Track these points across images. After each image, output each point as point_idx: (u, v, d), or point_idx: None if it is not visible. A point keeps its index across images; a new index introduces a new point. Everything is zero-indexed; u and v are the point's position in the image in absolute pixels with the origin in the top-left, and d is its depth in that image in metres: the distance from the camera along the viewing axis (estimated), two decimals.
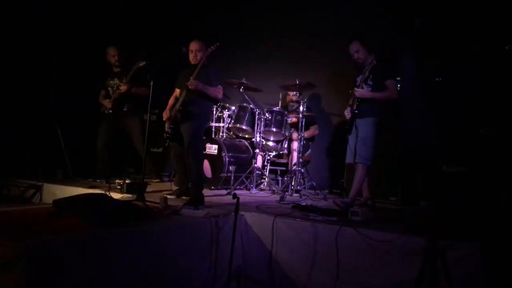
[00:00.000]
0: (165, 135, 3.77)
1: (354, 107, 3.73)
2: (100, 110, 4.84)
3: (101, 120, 4.82)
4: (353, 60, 3.84)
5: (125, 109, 4.82)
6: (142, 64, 4.44)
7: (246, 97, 4.89)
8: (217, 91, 3.79)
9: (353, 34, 4.01)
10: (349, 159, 3.83)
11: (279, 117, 4.79)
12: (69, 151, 4.71)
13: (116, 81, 4.83)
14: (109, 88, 4.88)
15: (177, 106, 3.69)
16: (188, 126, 3.64)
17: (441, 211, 3.10)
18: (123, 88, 4.65)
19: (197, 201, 3.42)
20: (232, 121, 4.94)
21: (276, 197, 4.21)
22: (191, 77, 3.64)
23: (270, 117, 4.78)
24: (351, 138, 3.81)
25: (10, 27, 4.67)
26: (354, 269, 2.70)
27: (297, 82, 4.57)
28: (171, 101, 3.98)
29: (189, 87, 3.61)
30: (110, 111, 4.75)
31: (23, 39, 4.76)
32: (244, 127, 4.82)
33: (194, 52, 3.78)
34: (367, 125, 3.68)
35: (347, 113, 3.83)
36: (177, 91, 3.99)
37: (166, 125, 3.78)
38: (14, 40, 4.70)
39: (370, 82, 3.73)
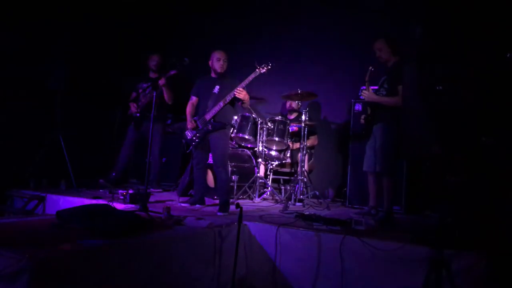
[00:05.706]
0: (189, 142, 3.85)
1: (368, 111, 3.62)
2: (127, 112, 4.97)
3: (128, 124, 4.97)
4: (376, 58, 3.68)
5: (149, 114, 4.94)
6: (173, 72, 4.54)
7: (248, 106, 4.91)
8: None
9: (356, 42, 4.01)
10: (367, 166, 3.68)
11: (281, 127, 4.81)
12: (72, 162, 4.72)
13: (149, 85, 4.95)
14: (141, 90, 5.00)
15: (208, 116, 3.77)
16: (219, 136, 3.78)
17: (445, 220, 3.08)
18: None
19: (227, 207, 3.63)
20: (235, 130, 4.95)
21: (279, 206, 4.20)
22: (238, 87, 3.72)
23: (272, 127, 4.79)
24: (369, 145, 3.68)
25: (17, 37, 4.72)
26: (358, 279, 2.68)
27: (299, 92, 4.59)
28: (190, 109, 4.01)
29: (238, 95, 3.70)
30: (138, 114, 4.86)
31: (29, 50, 4.80)
32: (246, 137, 4.83)
33: (222, 61, 3.85)
34: (384, 131, 3.53)
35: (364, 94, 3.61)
36: (194, 99, 4.03)
37: (188, 133, 3.85)
38: (20, 50, 4.74)
39: (385, 86, 3.60)
